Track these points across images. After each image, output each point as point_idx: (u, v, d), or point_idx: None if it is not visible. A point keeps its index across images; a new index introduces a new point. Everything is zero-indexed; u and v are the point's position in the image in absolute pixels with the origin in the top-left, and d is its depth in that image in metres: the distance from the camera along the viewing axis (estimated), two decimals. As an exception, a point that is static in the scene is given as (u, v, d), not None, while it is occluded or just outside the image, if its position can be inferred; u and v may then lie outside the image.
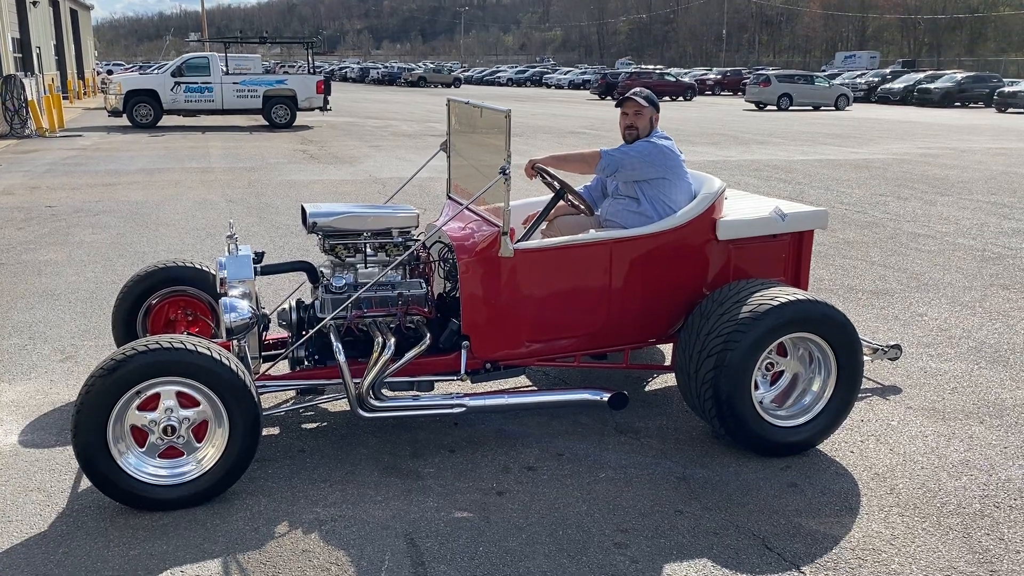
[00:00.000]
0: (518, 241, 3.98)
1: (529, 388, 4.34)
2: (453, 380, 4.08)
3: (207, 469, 3.41)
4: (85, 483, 3.60)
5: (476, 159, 4.39)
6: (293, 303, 4.11)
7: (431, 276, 4.30)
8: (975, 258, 8.11)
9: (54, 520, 3.33)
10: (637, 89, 4.44)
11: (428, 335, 3.94)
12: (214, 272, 4.55)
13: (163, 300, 4.57)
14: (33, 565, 3.04)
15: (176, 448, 3.42)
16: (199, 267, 4.59)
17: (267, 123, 22.00)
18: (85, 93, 40.02)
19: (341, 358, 3.73)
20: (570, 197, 4.23)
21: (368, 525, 3.33)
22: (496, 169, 3.81)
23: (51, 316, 5.88)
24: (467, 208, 4.18)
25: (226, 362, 3.35)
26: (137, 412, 3.35)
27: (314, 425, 4.23)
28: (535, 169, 4.19)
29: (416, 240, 4.19)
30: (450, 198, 4.67)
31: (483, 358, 4.08)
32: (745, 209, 4.39)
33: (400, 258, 4.01)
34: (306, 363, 4.00)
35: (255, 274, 3.94)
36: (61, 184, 11.89)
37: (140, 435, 3.38)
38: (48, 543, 3.18)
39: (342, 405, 4.35)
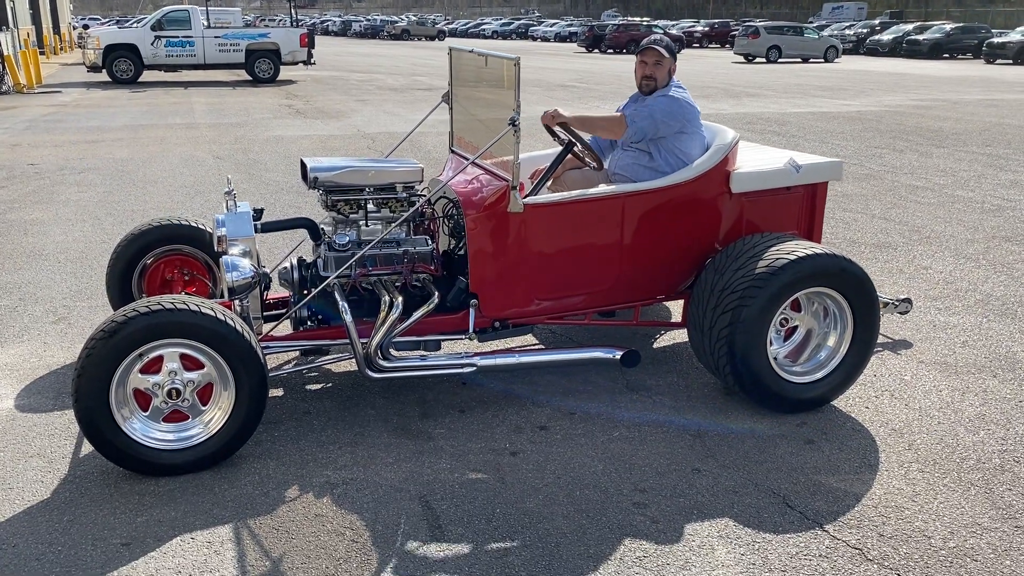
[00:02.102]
0: (526, 196, 3.86)
1: (539, 347, 4.25)
2: (461, 339, 3.98)
3: (214, 432, 3.31)
4: (86, 448, 3.50)
5: (481, 111, 4.25)
6: (294, 261, 3.99)
7: (436, 233, 4.18)
8: (975, 210, 8.05)
9: (57, 486, 3.24)
10: (657, 37, 4.28)
11: (436, 294, 3.83)
12: (210, 230, 4.42)
13: (158, 259, 4.43)
14: (37, 533, 2.95)
15: (181, 411, 3.32)
16: (195, 225, 4.45)
17: (250, 78, 21.60)
18: (61, 48, 39.19)
19: (348, 318, 3.62)
20: (579, 150, 4.10)
21: (381, 488, 3.26)
22: (504, 121, 3.67)
23: (41, 277, 5.73)
24: (473, 162, 4.04)
25: (231, 323, 3.24)
26: (140, 375, 3.24)
27: (318, 386, 4.14)
28: (555, 121, 4.03)
29: (420, 195, 4.06)
30: (453, 152, 4.53)
31: (492, 317, 3.98)
32: (758, 161, 4.27)
33: (407, 214, 3.89)
34: (309, 323, 3.88)
35: (255, 231, 3.80)
36: (43, 141, 11.62)
37: (143, 399, 3.28)
38: (52, 510, 3.08)
39: (346, 366, 4.25)
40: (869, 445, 3.62)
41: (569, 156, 4.17)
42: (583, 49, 43.35)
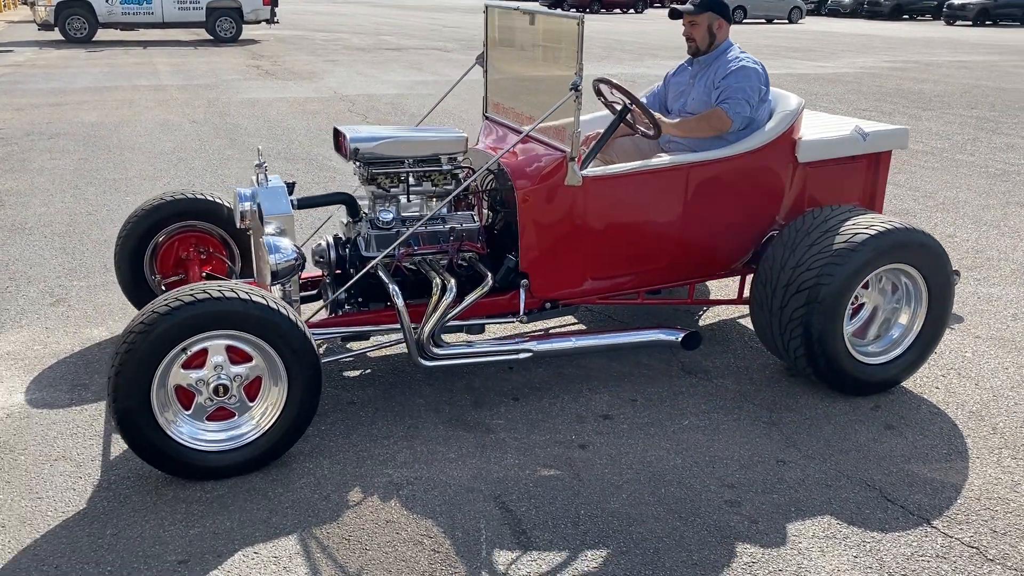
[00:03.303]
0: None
1: (594, 330, 3.97)
2: (510, 322, 3.72)
3: (265, 429, 3.02)
4: (115, 449, 3.19)
5: (526, 73, 3.95)
6: (329, 240, 3.67)
7: (479, 208, 3.89)
8: (980, 175, 7.94)
9: (91, 494, 2.93)
10: None
11: (489, 275, 3.55)
12: (227, 204, 4.08)
13: (171, 237, 4.08)
14: (80, 551, 2.64)
15: (227, 409, 3.02)
16: (210, 199, 4.10)
17: (211, 37, 20.77)
18: (5, 5, 37.50)
19: (400, 302, 3.33)
20: (636, 113, 3.79)
21: (450, 488, 3.00)
22: (557, 85, 3.39)
23: (28, 253, 5.31)
24: (529, 133, 3.75)
25: (283, 311, 2.94)
26: (182, 371, 2.92)
27: (356, 373, 3.85)
28: (609, 87, 3.72)
29: (464, 167, 3.76)
30: (488, 119, 4.21)
31: (542, 297, 3.72)
32: (821, 128, 4.04)
33: (460, 187, 3.57)
34: (347, 307, 3.58)
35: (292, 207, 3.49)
36: (2, 104, 10.97)
37: (186, 396, 2.97)
38: (91, 523, 2.78)
39: (385, 351, 3.96)
40: (951, 430, 3.44)
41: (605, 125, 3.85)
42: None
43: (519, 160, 3.68)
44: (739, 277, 4.10)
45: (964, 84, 14.80)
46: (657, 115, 3.72)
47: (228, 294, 2.86)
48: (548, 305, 3.79)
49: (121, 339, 2.82)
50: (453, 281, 3.43)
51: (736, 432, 3.41)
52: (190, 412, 2.98)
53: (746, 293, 3.94)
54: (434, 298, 3.41)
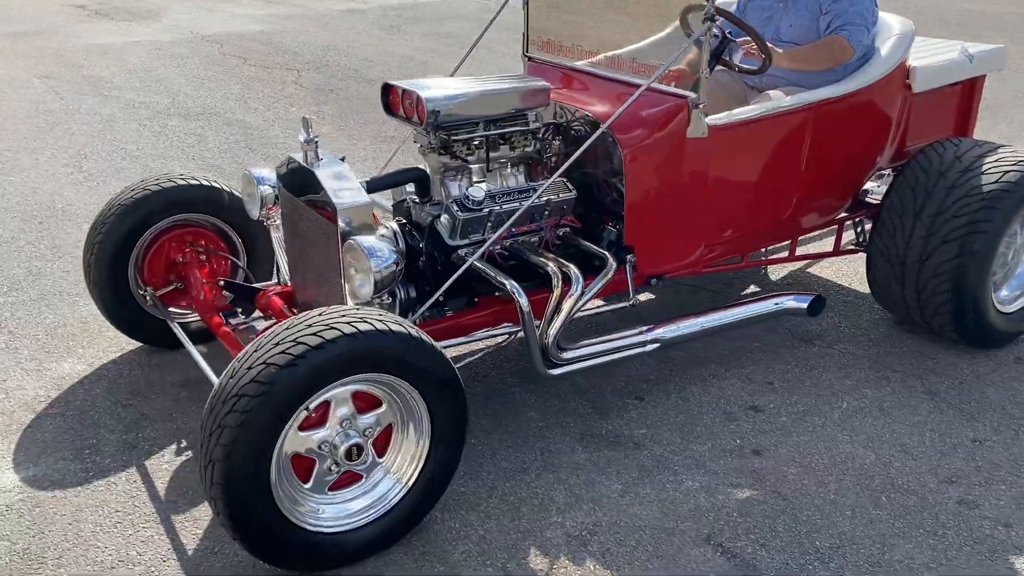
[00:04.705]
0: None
1: (714, 306, 3.30)
2: (614, 307, 3.13)
3: (410, 486, 2.31)
4: (191, 534, 2.39)
5: (604, 4, 3.24)
6: (394, 226, 2.90)
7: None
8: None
9: (189, 615, 2.14)
10: None
11: (608, 255, 2.92)
12: (227, 187, 3.24)
13: (160, 236, 3.17)
14: None
15: (353, 472, 2.29)
16: (204, 183, 3.22)
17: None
18: None
19: (523, 301, 2.64)
20: (739, 43, 3.15)
21: (645, 533, 2.41)
22: (660, 8, 2.79)
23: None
24: (587, 74, 3.09)
25: (425, 339, 2.22)
26: (300, 433, 2.16)
27: (431, 385, 3.13)
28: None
29: (545, 124, 3.08)
30: (531, 59, 3.48)
31: (647, 274, 3.13)
32: (926, 52, 3.58)
33: (580, 149, 2.81)
34: (446, 310, 2.86)
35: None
36: None
37: (302, 465, 2.21)
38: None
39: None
40: (1110, 378, 3.17)
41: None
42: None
43: (609, 108, 3.00)
44: (836, 229, 3.64)
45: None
46: (770, 45, 3.13)
47: (362, 327, 2.10)
48: (654, 282, 3.20)
49: (218, 405, 2.02)
50: (575, 268, 2.78)
51: (904, 410, 2.99)
52: (310, 485, 2.23)
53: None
54: (556, 291, 2.75)
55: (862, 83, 3.23)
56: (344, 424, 2.21)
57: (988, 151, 3.21)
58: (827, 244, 3.82)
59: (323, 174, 2.64)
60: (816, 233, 3.72)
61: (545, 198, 2.94)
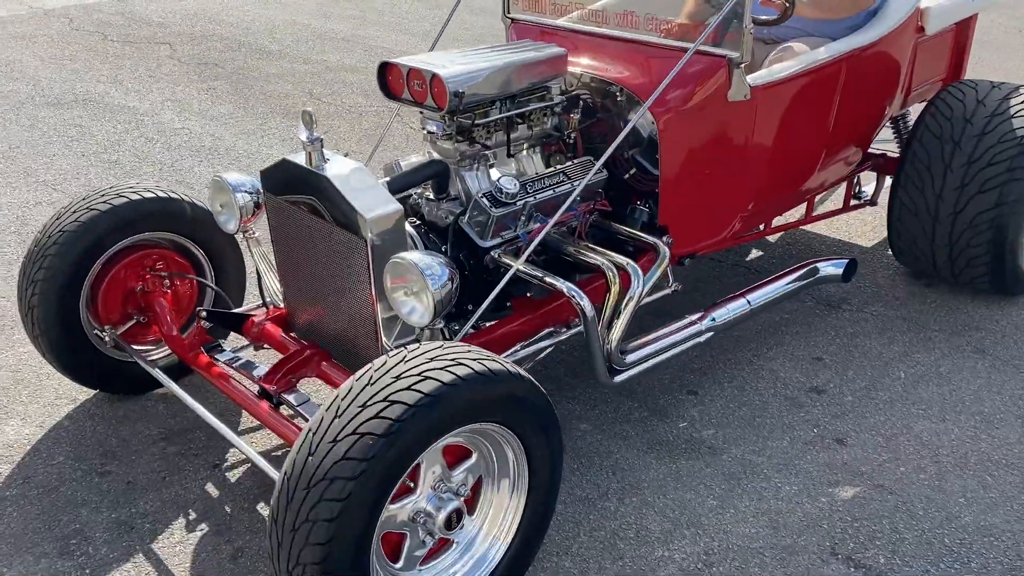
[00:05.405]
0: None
1: (754, 284, 3.03)
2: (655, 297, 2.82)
3: (508, 544, 1.96)
4: None
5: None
6: (410, 230, 2.47)
7: (579, 150, 2.84)
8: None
9: None
10: None
11: (659, 242, 2.60)
12: (185, 198, 2.73)
13: (112, 263, 2.63)
14: None
15: (446, 538, 1.91)
16: (161, 195, 2.69)
17: None
18: None
19: (586, 305, 2.30)
20: None
21: (764, 555, 2.15)
22: None
23: None
24: (592, 35, 2.75)
25: (524, 375, 1.85)
26: (390, 507, 1.76)
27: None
28: None
29: (564, 94, 2.71)
30: (514, 20, 3.09)
31: (680, 253, 2.84)
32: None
33: (620, 136, 2.45)
34: (489, 322, 2.48)
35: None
36: None
37: (389, 542, 1.82)
38: None
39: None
40: None
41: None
42: None
43: (637, 75, 2.67)
44: (845, 181, 3.45)
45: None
46: None
47: (461, 371, 1.71)
48: (687, 262, 2.92)
49: (299, 493, 1.60)
50: (632, 263, 2.45)
51: (963, 375, 2.85)
52: (400, 565, 1.84)
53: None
54: (614, 289, 2.42)
55: (885, 29, 3.01)
56: (437, 487, 1.83)
57: (1009, 93, 3.07)
58: (829, 204, 3.63)
59: (337, 178, 2.19)
60: (825, 191, 3.53)
61: (575, 182, 2.58)
